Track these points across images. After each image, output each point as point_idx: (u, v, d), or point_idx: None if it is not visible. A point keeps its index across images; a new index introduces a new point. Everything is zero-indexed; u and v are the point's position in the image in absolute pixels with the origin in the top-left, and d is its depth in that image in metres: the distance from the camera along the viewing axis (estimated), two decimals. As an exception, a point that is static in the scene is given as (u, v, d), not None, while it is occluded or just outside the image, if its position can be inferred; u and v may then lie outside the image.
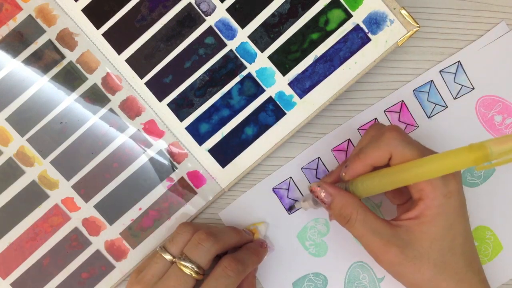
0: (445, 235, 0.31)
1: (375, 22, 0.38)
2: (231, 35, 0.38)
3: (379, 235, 0.31)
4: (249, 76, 0.39)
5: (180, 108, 0.39)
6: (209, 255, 0.34)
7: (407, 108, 0.40)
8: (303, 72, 0.38)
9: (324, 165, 0.40)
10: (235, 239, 0.37)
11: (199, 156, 0.39)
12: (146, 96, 0.39)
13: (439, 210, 0.31)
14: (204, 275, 0.34)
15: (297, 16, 0.38)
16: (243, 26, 0.38)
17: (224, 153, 0.39)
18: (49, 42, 0.39)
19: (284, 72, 0.38)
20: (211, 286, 0.33)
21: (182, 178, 0.39)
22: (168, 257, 0.34)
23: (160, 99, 0.39)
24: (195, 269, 0.33)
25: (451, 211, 0.31)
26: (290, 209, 0.40)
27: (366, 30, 0.38)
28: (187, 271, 0.33)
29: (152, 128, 0.39)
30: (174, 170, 0.39)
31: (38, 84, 0.39)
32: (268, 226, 0.40)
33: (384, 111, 0.40)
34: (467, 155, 0.27)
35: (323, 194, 0.33)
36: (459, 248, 0.32)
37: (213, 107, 0.39)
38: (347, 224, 0.33)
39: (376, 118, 0.40)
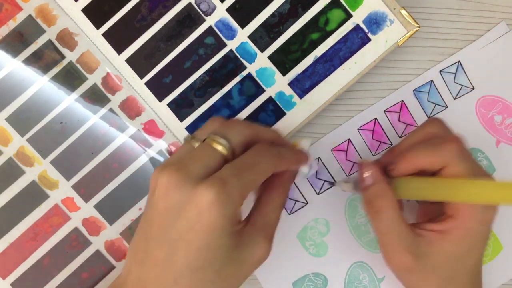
0: (462, 256, 0.31)
1: (375, 22, 0.38)
2: (231, 35, 0.38)
3: (400, 239, 0.31)
4: (249, 76, 0.39)
5: (180, 108, 0.39)
6: (242, 135, 0.29)
7: (407, 108, 0.40)
8: (303, 72, 0.38)
9: (324, 165, 0.40)
10: (271, 134, 0.32)
11: (199, 156, 0.39)
12: (146, 96, 0.39)
13: (467, 233, 0.31)
14: (233, 159, 0.29)
15: (297, 16, 0.38)
16: (243, 26, 0.38)
17: (224, 153, 0.39)
18: (49, 42, 0.39)
19: (284, 72, 0.38)
20: (243, 160, 0.28)
21: (182, 178, 0.39)
22: (197, 142, 0.30)
23: (160, 99, 0.39)
24: (227, 145, 0.28)
25: (477, 237, 0.31)
26: (329, 182, 0.39)
27: (366, 30, 0.38)
28: (218, 147, 0.28)
29: (152, 128, 0.39)
30: (174, 170, 0.39)
31: (38, 84, 0.39)
32: (311, 141, 0.35)
33: (384, 111, 0.40)
34: None
35: (367, 174, 0.32)
36: (469, 269, 0.32)
37: (213, 107, 0.39)
38: (374, 215, 0.32)
39: (376, 118, 0.40)
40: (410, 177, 0.32)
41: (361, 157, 0.39)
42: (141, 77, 0.39)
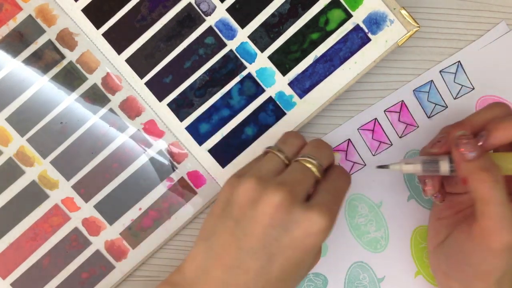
0: None
1: (375, 22, 0.38)
2: (231, 35, 0.38)
3: (510, 212, 0.28)
4: (249, 76, 0.39)
5: (180, 108, 0.39)
6: (329, 160, 0.32)
7: (407, 108, 0.40)
8: (303, 72, 0.38)
9: (324, 165, 0.40)
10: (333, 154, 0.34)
11: (199, 156, 0.39)
12: (146, 96, 0.39)
13: None
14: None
15: (297, 16, 0.38)
16: (243, 26, 0.38)
17: (224, 153, 0.39)
18: (49, 42, 0.39)
19: (284, 72, 0.38)
20: (329, 187, 0.31)
21: (182, 178, 0.39)
22: (282, 156, 0.32)
23: (160, 99, 0.39)
24: (321, 170, 0.31)
25: None
26: (380, 167, 0.35)
27: (366, 30, 0.38)
28: (311, 167, 0.31)
29: (152, 128, 0.39)
30: (174, 170, 0.39)
31: (38, 84, 0.39)
32: (340, 156, 0.37)
33: (384, 111, 0.40)
34: None
35: (471, 146, 0.30)
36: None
37: (213, 107, 0.39)
38: (492, 183, 0.29)
39: (376, 118, 0.40)
40: (507, 152, 0.31)
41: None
42: (141, 77, 0.39)
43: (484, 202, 0.29)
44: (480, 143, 0.31)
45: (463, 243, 0.32)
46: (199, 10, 0.38)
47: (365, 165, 0.40)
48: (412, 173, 0.34)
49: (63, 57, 0.39)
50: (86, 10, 0.38)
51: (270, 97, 0.39)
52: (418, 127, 0.40)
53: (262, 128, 0.39)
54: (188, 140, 0.39)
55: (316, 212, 0.28)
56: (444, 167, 0.32)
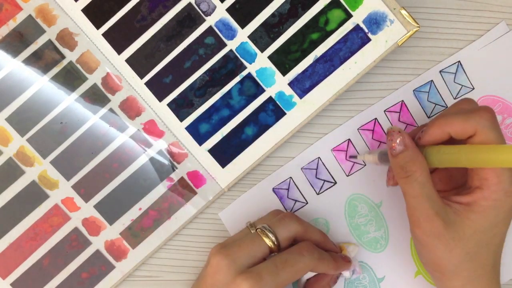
0: (488, 229, 0.31)
1: (375, 22, 0.38)
2: (231, 35, 0.38)
3: (432, 203, 0.31)
4: (249, 76, 0.39)
5: (180, 108, 0.39)
6: (289, 232, 0.34)
7: (407, 108, 0.40)
8: (303, 72, 0.38)
9: (324, 165, 0.40)
10: (318, 235, 0.36)
11: (199, 156, 0.39)
12: (146, 96, 0.39)
13: (494, 204, 0.31)
14: (278, 251, 0.34)
15: (297, 16, 0.38)
16: (243, 26, 0.38)
17: (224, 153, 0.39)
18: (49, 42, 0.39)
19: (284, 72, 0.38)
20: (282, 258, 0.33)
21: (182, 178, 0.39)
22: (252, 230, 0.34)
23: (160, 99, 0.39)
24: (273, 239, 0.33)
25: (504, 210, 0.31)
26: (351, 157, 0.39)
27: (366, 30, 0.38)
28: (265, 239, 0.33)
29: (152, 128, 0.39)
30: (174, 170, 0.39)
31: (38, 84, 0.39)
32: (358, 250, 0.39)
33: (384, 111, 0.40)
34: None
35: (398, 140, 0.32)
36: (494, 246, 0.32)
37: (213, 107, 0.39)
38: (406, 179, 0.32)
39: (376, 118, 0.40)
40: (441, 145, 0.32)
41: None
42: (141, 77, 0.39)
43: (404, 194, 0.32)
44: (417, 137, 0.33)
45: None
46: (199, 10, 0.38)
47: (365, 165, 0.40)
48: (373, 163, 0.37)
49: (63, 57, 0.39)
50: (86, 10, 0.38)
51: (270, 97, 0.39)
52: (418, 127, 0.40)
53: (262, 128, 0.39)
54: (188, 140, 0.39)
55: (243, 277, 0.31)
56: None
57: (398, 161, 0.32)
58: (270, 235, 0.33)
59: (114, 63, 0.39)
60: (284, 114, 0.39)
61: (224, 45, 0.38)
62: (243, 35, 0.38)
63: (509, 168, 0.30)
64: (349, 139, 0.40)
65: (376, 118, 0.40)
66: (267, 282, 0.31)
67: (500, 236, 0.32)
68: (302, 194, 0.40)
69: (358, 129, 0.40)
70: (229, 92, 0.39)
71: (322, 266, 0.34)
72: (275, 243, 0.33)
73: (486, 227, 0.31)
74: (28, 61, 0.39)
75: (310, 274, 0.37)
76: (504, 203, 0.31)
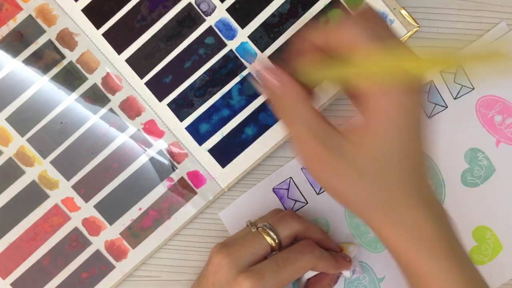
0: (389, 152, 0.28)
1: (375, 22, 0.38)
2: (231, 35, 0.38)
3: (309, 126, 0.28)
4: (249, 76, 0.39)
5: (180, 108, 0.39)
6: (290, 230, 0.34)
7: (407, 108, 0.40)
8: (303, 72, 0.38)
9: (324, 165, 0.40)
10: (319, 234, 0.36)
11: (199, 156, 0.39)
12: (146, 96, 0.39)
13: (387, 121, 0.27)
14: (279, 250, 0.34)
15: (297, 16, 0.38)
16: (243, 26, 0.38)
17: (224, 153, 0.39)
18: (49, 42, 0.39)
19: (284, 72, 0.38)
20: (283, 256, 0.33)
21: (182, 178, 0.39)
22: (253, 229, 0.34)
23: (160, 99, 0.39)
24: (274, 237, 0.33)
25: (400, 126, 0.27)
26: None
27: (366, 30, 0.38)
28: (267, 237, 0.33)
29: (152, 128, 0.39)
30: (174, 170, 0.39)
31: (38, 84, 0.39)
32: (359, 250, 0.39)
33: (384, 111, 0.40)
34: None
35: (268, 76, 0.30)
36: (401, 169, 0.28)
37: (213, 107, 0.39)
38: (285, 119, 0.30)
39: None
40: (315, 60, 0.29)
41: None
42: (141, 77, 0.39)
43: (295, 140, 0.30)
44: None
45: None
46: (199, 10, 0.38)
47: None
48: None
49: (63, 57, 0.39)
50: (86, 10, 0.38)
51: (270, 97, 0.39)
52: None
53: (262, 128, 0.39)
54: (188, 140, 0.39)
55: (244, 275, 0.31)
56: None
57: (278, 100, 0.30)
58: (271, 233, 0.33)
59: (114, 63, 0.39)
60: (284, 114, 0.39)
61: (224, 45, 0.38)
62: (243, 35, 0.38)
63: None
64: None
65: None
66: (268, 280, 0.31)
67: (400, 154, 0.28)
68: (302, 194, 0.40)
69: (358, 129, 0.40)
70: (229, 92, 0.39)
71: (322, 265, 0.34)
72: (276, 241, 0.33)
73: (386, 149, 0.28)
74: (28, 61, 0.39)
75: (310, 274, 0.37)
76: (398, 119, 0.27)
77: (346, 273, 0.37)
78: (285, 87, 0.30)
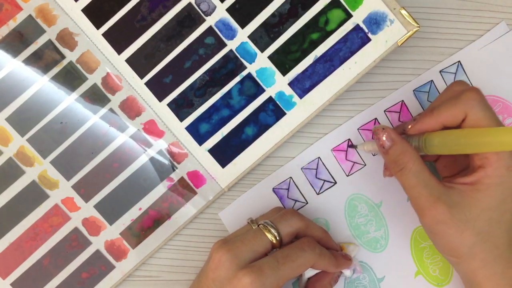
0: (496, 207, 0.31)
1: (375, 22, 0.38)
2: (231, 35, 0.38)
3: (431, 189, 0.31)
4: (249, 76, 0.39)
5: (180, 108, 0.39)
6: (291, 227, 0.34)
7: (407, 108, 0.40)
8: (303, 72, 0.38)
9: (324, 165, 0.40)
10: (319, 232, 0.37)
11: (199, 156, 0.39)
12: (146, 96, 0.39)
13: (498, 181, 0.31)
14: (280, 247, 0.34)
15: (297, 16, 0.38)
16: (243, 26, 0.38)
17: (224, 153, 0.39)
18: (49, 42, 0.39)
19: (284, 72, 0.38)
20: (284, 252, 0.33)
21: (182, 178, 0.39)
22: (254, 226, 0.35)
23: (160, 99, 0.39)
24: (275, 234, 0.33)
25: (509, 185, 0.31)
26: (351, 147, 0.40)
27: (366, 30, 0.38)
28: (268, 234, 0.33)
29: (152, 128, 0.39)
30: (174, 170, 0.39)
31: (38, 84, 0.39)
32: (359, 249, 0.39)
33: (384, 111, 0.40)
34: None
35: (384, 138, 0.33)
36: (506, 224, 0.32)
37: (213, 107, 0.39)
38: (400, 172, 0.32)
39: (376, 118, 0.40)
40: (436, 132, 0.32)
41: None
42: (141, 77, 0.39)
43: (404, 187, 0.33)
44: (407, 127, 0.34)
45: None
46: (199, 10, 0.38)
47: (365, 165, 0.40)
48: (372, 152, 0.38)
49: (63, 57, 0.39)
50: (86, 10, 0.38)
51: (270, 97, 0.39)
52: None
53: (262, 128, 0.39)
54: (188, 140, 0.39)
55: (245, 271, 0.31)
56: None
57: (390, 157, 0.33)
58: (273, 230, 0.34)
59: (114, 63, 0.39)
60: (284, 114, 0.39)
61: (224, 45, 0.38)
62: (243, 35, 0.38)
63: None
64: (349, 139, 0.40)
65: (376, 118, 0.40)
66: (268, 277, 0.31)
67: (510, 213, 0.32)
68: (302, 194, 0.40)
69: (358, 129, 0.40)
70: (229, 92, 0.39)
71: (323, 263, 0.34)
72: (277, 238, 0.34)
73: (493, 205, 0.31)
74: (28, 61, 0.39)
75: (311, 273, 0.37)
76: (508, 179, 0.31)
77: (347, 272, 0.37)
78: (400, 146, 0.33)
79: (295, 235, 0.35)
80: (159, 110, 0.39)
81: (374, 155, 0.40)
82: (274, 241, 0.33)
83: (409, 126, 0.34)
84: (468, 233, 0.31)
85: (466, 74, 0.40)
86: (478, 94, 0.31)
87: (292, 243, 0.34)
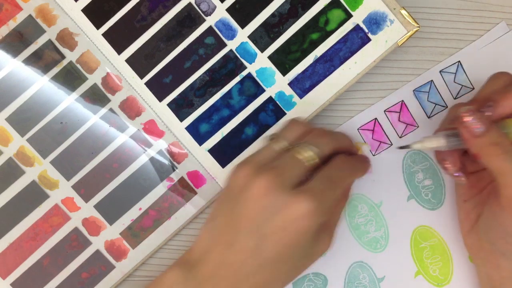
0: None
1: (375, 22, 0.38)
2: (231, 35, 0.38)
3: None
4: (249, 76, 0.39)
5: (180, 108, 0.39)
6: (330, 147, 0.33)
7: (407, 108, 0.40)
8: (303, 72, 0.38)
9: (324, 165, 0.40)
10: (347, 142, 0.36)
11: (199, 156, 0.39)
12: (146, 96, 0.39)
13: None
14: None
15: (297, 16, 0.38)
16: (243, 26, 0.38)
17: (224, 153, 0.39)
18: (49, 42, 0.39)
19: (284, 72, 0.38)
20: (325, 174, 0.31)
21: (182, 178, 0.39)
22: (283, 143, 0.33)
23: (160, 99, 0.39)
24: (317, 156, 0.31)
25: None
26: (402, 148, 0.36)
27: (366, 30, 0.38)
28: (309, 157, 0.31)
29: (152, 128, 0.39)
30: (174, 170, 0.39)
31: (38, 84, 0.39)
32: (369, 147, 0.39)
33: (384, 111, 0.40)
34: None
35: (478, 120, 0.30)
36: None
37: (213, 107, 0.39)
38: (503, 155, 0.29)
39: (376, 118, 0.40)
40: None
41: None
42: (141, 77, 0.39)
43: (502, 174, 0.30)
44: (488, 114, 0.31)
45: (498, 216, 0.32)
46: (199, 10, 0.38)
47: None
48: (436, 149, 0.34)
49: (63, 57, 0.39)
50: (86, 10, 0.38)
51: (270, 97, 0.39)
52: (418, 127, 0.40)
53: (262, 128, 0.39)
54: (188, 140, 0.39)
55: (302, 196, 0.29)
56: None
57: (486, 140, 0.30)
58: (314, 153, 0.31)
59: (114, 63, 0.39)
60: (284, 114, 0.39)
61: (224, 45, 0.38)
62: (243, 35, 0.38)
63: None
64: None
65: (376, 118, 0.40)
66: (328, 199, 0.30)
67: None
68: (302, 194, 0.40)
69: (358, 129, 0.40)
70: (229, 92, 0.39)
71: (359, 174, 0.35)
72: (319, 161, 0.32)
73: None
74: (28, 61, 0.39)
75: None
76: None
77: None
78: (496, 132, 0.30)
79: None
80: (159, 110, 0.39)
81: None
82: (311, 163, 0.31)
83: (489, 113, 0.31)
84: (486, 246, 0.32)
85: (466, 74, 0.40)
86: None
87: (330, 164, 0.32)
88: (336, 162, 0.33)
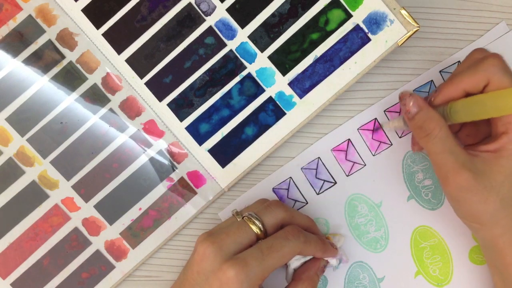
0: None
1: (375, 22, 0.38)
2: (231, 35, 0.38)
3: (456, 156, 0.31)
4: (249, 76, 0.39)
5: (180, 108, 0.39)
6: (275, 219, 0.34)
7: (407, 108, 0.40)
8: (303, 72, 0.38)
9: (324, 165, 0.40)
10: (305, 221, 0.36)
11: (199, 156, 0.39)
12: (146, 96, 0.39)
13: None
14: (265, 238, 0.34)
15: (297, 16, 0.38)
16: (243, 26, 0.38)
17: (224, 153, 0.39)
18: (49, 42, 0.39)
19: (284, 72, 0.38)
20: (268, 243, 0.33)
21: (182, 178, 0.39)
22: (239, 218, 0.34)
23: (160, 99, 0.39)
24: (260, 226, 0.33)
25: None
26: (376, 130, 0.39)
27: (366, 30, 0.38)
28: (252, 226, 0.33)
29: (152, 128, 0.39)
30: (174, 170, 0.39)
31: (38, 84, 0.39)
32: (344, 239, 0.40)
33: (384, 111, 0.40)
34: None
35: (411, 103, 0.32)
36: None
37: (213, 107, 0.39)
38: (425, 138, 0.32)
39: (376, 118, 0.40)
40: (459, 100, 0.32)
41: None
42: (141, 77, 0.39)
43: (429, 153, 0.33)
44: (430, 98, 0.33)
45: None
46: (199, 10, 0.38)
47: (365, 165, 0.40)
48: (397, 128, 0.38)
49: (63, 57, 0.39)
50: (86, 10, 0.38)
51: (270, 97, 0.39)
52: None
53: (262, 128, 0.39)
54: (188, 140, 0.39)
55: (230, 263, 0.31)
56: None
57: (415, 122, 0.33)
58: (257, 222, 0.33)
59: (114, 63, 0.39)
60: (284, 114, 0.39)
61: (224, 45, 0.38)
62: (243, 35, 0.38)
63: None
64: (349, 139, 0.40)
65: (376, 118, 0.40)
66: (253, 268, 0.31)
67: None
68: (302, 194, 0.40)
69: (358, 129, 0.40)
70: (229, 92, 0.39)
71: (309, 249, 0.34)
72: (262, 230, 0.33)
73: None
74: (28, 61, 0.39)
75: (297, 264, 0.36)
76: None
77: (333, 261, 0.37)
78: (426, 112, 0.32)
79: (280, 225, 0.35)
80: (159, 110, 0.39)
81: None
82: (259, 233, 0.33)
83: (432, 98, 0.33)
84: (492, 199, 0.31)
85: (466, 74, 0.40)
86: (499, 60, 0.31)
87: (276, 233, 0.34)
88: (280, 232, 0.34)
